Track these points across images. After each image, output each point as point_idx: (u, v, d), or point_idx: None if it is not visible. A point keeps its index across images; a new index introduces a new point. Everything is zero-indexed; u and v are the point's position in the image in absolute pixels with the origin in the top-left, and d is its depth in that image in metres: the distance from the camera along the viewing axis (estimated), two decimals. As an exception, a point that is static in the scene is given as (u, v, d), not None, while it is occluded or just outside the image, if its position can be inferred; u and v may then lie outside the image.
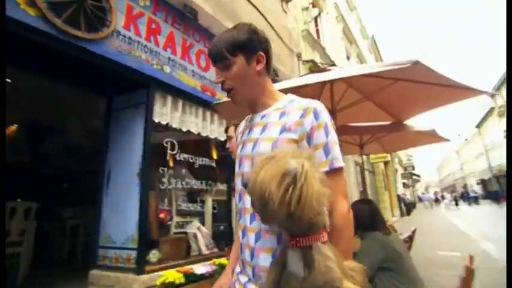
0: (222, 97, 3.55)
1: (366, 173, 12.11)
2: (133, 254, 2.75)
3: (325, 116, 0.88)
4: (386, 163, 15.48)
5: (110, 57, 2.66)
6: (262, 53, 0.94)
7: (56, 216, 4.69)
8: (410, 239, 3.38)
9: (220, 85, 0.95)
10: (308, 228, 0.67)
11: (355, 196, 9.05)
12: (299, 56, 6.06)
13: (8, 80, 4.12)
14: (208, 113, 3.72)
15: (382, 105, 3.43)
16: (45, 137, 6.56)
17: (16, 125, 6.30)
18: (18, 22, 2.10)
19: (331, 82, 3.01)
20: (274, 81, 4.58)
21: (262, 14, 4.85)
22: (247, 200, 0.83)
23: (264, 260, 0.83)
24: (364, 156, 12.45)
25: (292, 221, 0.64)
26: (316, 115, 0.86)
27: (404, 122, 3.55)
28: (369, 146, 5.17)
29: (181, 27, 3.48)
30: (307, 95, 3.17)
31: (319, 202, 0.64)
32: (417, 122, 3.69)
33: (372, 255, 1.80)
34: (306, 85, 2.63)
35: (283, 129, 0.86)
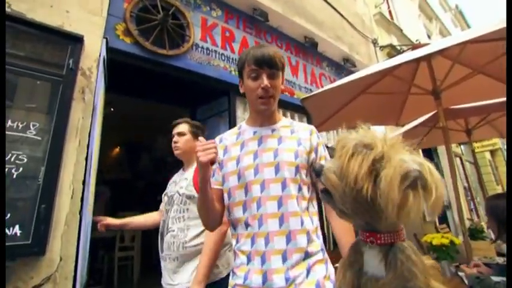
0: (301, 96, 3.39)
1: (467, 164, 10.31)
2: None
3: (320, 138, 1.13)
4: (493, 152, 12.90)
5: (192, 69, 2.78)
6: None
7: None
8: None
9: (261, 89, 0.99)
10: (394, 223, 0.58)
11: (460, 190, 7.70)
12: (375, 42, 5.51)
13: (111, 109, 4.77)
14: (288, 114, 3.59)
15: (502, 75, 2.76)
16: (140, 155, 7.42)
17: (119, 147, 7.31)
18: (119, 51, 2.34)
19: (429, 59, 2.57)
20: (351, 72, 4.26)
21: (331, 5, 4.57)
22: (271, 205, 0.94)
23: (297, 260, 0.91)
24: (463, 146, 10.67)
25: (381, 213, 0.56)
26: (317, 136, 1.12)
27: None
28: (478, 131, 4.33)
29: (252, 31, 3.47)
30: (400, 75, 2.78)
31: None
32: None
33: None
34: (398, 65, 2.29)
35: (300, 143, 1.05)
